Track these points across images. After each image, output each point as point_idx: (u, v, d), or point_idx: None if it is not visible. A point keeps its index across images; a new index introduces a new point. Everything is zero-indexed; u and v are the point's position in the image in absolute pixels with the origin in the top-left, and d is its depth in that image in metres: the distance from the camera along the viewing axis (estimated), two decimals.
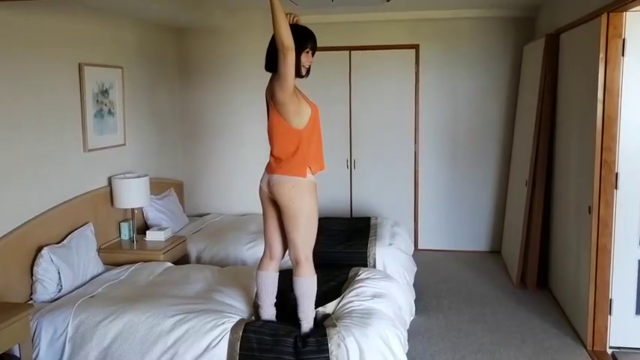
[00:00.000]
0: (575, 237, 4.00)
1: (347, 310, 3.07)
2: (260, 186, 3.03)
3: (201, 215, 5.59)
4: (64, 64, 3.84)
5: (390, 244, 4.33)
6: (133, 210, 4.33)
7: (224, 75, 5.49)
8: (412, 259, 4.51)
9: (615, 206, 3.58)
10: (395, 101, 5.88)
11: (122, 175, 4.33)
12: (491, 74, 5.73)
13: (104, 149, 4.28)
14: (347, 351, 2.74)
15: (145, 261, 4.01)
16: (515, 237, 5.08)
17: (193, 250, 4.50)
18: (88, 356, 2.93)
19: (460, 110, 5.83)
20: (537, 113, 4.61)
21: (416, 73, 5.83)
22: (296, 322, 3.00)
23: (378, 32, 5.81)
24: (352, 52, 5.89)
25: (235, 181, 5.59)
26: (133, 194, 4.19)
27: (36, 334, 3.02)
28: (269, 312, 3.09)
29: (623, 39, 3.47)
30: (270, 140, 2.96)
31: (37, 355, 2.99)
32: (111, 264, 4.04)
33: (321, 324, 2.99)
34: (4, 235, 3.25)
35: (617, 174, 3.56)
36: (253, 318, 3.09)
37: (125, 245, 4.27)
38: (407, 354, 2.99)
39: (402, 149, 5.94)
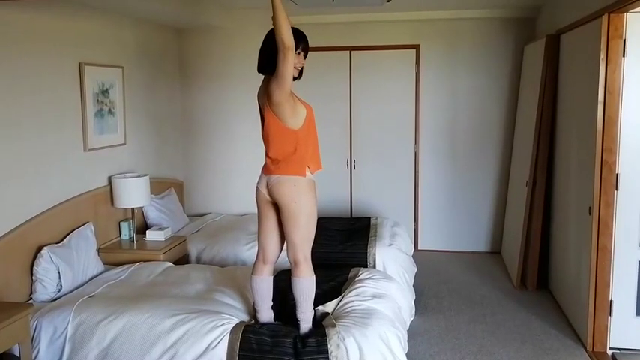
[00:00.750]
0: (576, 238, 3.99)
1: (347, 310, 3.07)
2: (257, 188, 3.01)
3: (201, 215, 5.59)
4: (65, 63, 3.84)
5: (390, 245, 4.33)
6: (133, 210, 4.32)
7: (225, 74, 5.49)
8: (412, 259, 4.51)
9: (615, 207, 3.57)
10: (395, 101, 5.88)
11: (122, 175, 4.33)
12: (492, 75, 5.73)
13: (104, 149, 4.28)
14: (347, 351, 2.74)
15: (144, 261, 4.01)
16: (515, 238, 5.08)
17: (193, 250, 4.50)
18: (87, 356, 2.93)
19: (460, 111, 5.83)
20: (538, 114, 4.61)
21: (416, 74, 5.83)
22: (295, 323, 3.00)
23: (379, 32, 5.81)
24: (353, 52, 5.89)
25: (235, 181, 5.59)
26: (133, 194, 4.19)
27: (36, 333, 3.02)
28: (266, 315, 3.09)
29: (624, 40, 3.47)
30: (265, 142, 2.95)
31: (36, 355, 2.98)
32: (111, 264, 4.04)
33: (321, 324, 2.98)
34: (4, 235, 3.25)
35: (617, 175, 3.56)
36: (253, 321, 3.09)
37: (125, 245, 4.27)
38: (407, 354, 2.99)
39: (402, 149, 5.94)
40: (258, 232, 3.08)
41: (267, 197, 2.96)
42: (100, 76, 4.21)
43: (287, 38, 2.64)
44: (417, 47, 5.80)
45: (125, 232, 4.38)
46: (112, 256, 4.11)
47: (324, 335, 2.80)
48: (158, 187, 4.97)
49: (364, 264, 4.12)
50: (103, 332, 2.95)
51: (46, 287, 3.39)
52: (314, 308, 3.06)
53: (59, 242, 3.62)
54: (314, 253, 3.08)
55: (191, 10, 4.60)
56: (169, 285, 3.51)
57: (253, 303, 3.12)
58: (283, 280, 3.39)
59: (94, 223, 4.03)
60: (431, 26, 5.74)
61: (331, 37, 5.84)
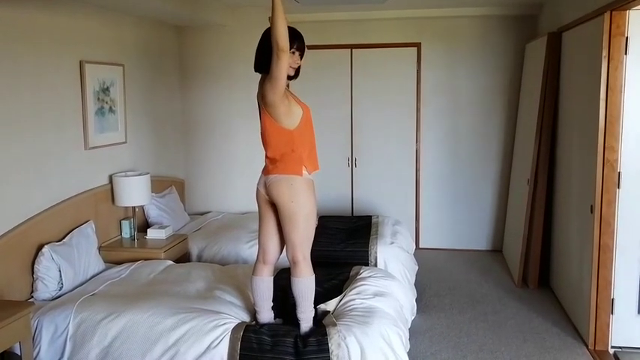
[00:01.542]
0: (577, 236, 3.99)
1: (348, 309, 3.07)
2: (257, 189, 3.01)
3: (202, 213, 5.59)
4: (65, 61, 3.83)
5: (392, 243, 4.33)
6: (133, 208, 4.32)
7: (226, 72, 5.48)
8: (413, 257, 4.51)
9: (618, 205, 3.56)
10: (396, 99, 5.87)
11: (123, 173, 4.33)
12: (493, 72, 5.72)
13: (105, 147, 4.28)
14: (348, 350, 2.73)
15: (145, 259, 4.00)
16: (516, 236, 5.07)
17: (194, 249, 4.50)
18: (88, 355, 2.92)
19: (462, 108, 5.82)
20: (539, 111, 4.60)
21: (417, 71, 5.82)
22: (296, 322, 2.99)
23: (380, 30, 5.80)
24: (354, 50, 5.87)
25: (236, 180, 5.58)
26: (134, 192, 4.19)
27: (37, 332, 3.02)
28: (267, 316, 3.08)
29: (626, 37, 3.46)
30: (263, 143, 2.95)
31: (37, 354, 2.98)
32: (112, 262, 4.03)
33: (321, 323, 2.98)
34: (5, 233, 3.25)
35: (619, 173, 3.55)
36: (254, 322, 3.08)
37: (126, 243, 4.26)
38: (408, 353, 2.99)
39: (403, 147, 5.93)
40: (259, 233, 3.08)
41: (267, 197, 2.96)
42: (101, 74, 4.20)
43: (282, 40, 2.62)
44: (418, 45, 5.78)
45: (126, 231, 4.38)
46: (112, 254, 4.11)
47: (325, 335, 2.79)
48: (159, 185, 4.97)
49: (365, 262, 4.11)
50: (104, 331, 2.95)
51: (47, 286, 3.39)
52: (315, 307, 3.05)
53: (60, 241, 3.62)
54: (315, 252, 3.08)
55: (192, 8, 4.59)
56: (170, 283, 3.50)
57: (254, 303, 3.12)
58: (284, 279, 3.38)
59: (95, 221, 4.03)
60: (432, 24, 5.73)
61: (332, 35, 5.83)
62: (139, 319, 2.96)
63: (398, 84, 5.85)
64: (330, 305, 3.17)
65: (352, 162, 6.03)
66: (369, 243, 4.30)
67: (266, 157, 2.96)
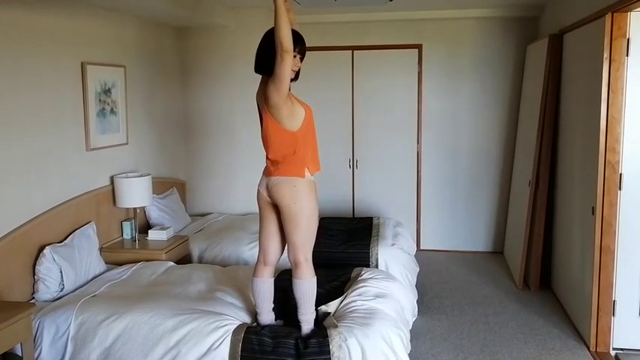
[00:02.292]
0: (579, 238, 3.98)
1: (349, 310, 3.06)
2: (258, 190, 3.00)
3: (203, 215, 5.59)
4: (67, 62, 3.84)
5: (393, 245, 4.33)
6: (135, 209, 4.32)
7: (227, 74, 5.49)
8: (414, 259, 4.50)
9: (619, 207, 3.56)
10: (398, 101, 5.87)
11: (124, 175, 4.33)
12: (495, 74, 5.72)
13: (106, 148, 4.28)
14: (349, 352, 2.73)
15: (147, 260, 4.00)
16: (517, 238, 5.06)
17: (195, 250, 4.50)
18: (90, 356, 2.92)
19: (463, 110, 5.82)
20: (540, 113, 4.60)
21: (419, 73, 5.82)
22: (297, 323, 2.99)
23: (381, 32, 5.80)
24: (355, 51, 5.88)
25: (237, 181, 5.58)
26: (135, 193, 4.19)
27: (38, 333, 3.02)
28: (267, 317, 3.08)
29: (628, 39, 3.46)
30: (265, 144, 2.94)
31: (39, 355, 2.98)
32: (113, 263, 4.03)
33: (322, 325, 2.98)
34: (7, 234, 3.25)
35: (620, 174, 3.55)
36: (255, 324, 3.08)
37: (127, 244, 4.27)
38: (409, 355, 2.99)
39: (404, 149, 5.93)
40: (260, 234, 3.07)
41: (268, 199, 2.95)
42: (102, 76, 4.21)
43: (286, 41, 2.63)
44: (419, 47, 5.78)
45: (127, 232, 4.38)
46: (114, 255, 4.11)
47: (326, 336, 2.79)
48: (160, 186, 4.97)
49: (366, 264, 4.11)
50: (105, 332, 2.95)
51: (48, 287, 3.39)
52: (316, 308, 3.05)
53: (61, 242, 3.62)
54: (316, 253, 3.08)
55: (193, 9, 4.59)
56: (171, 285, 3.50)
57: (255, 304, 3.11)
58: (285, 280, 3.38)
59: (96, 222, 4.03)
60: (433, 26, 5.73)
61: (333, 37, 5.83)
62: (140, 320, 2.96)
63: (399, 86, 5.85)
64: (331, 307, 3.16)
65: (353, 163, 6.03)
66: (370, 244, 4.30)
67: (267, 158, 2.95)
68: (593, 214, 3.64)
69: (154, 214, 4.67)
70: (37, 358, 2.98)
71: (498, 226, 5.89)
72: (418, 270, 4.45)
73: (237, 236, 4.60)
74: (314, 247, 3.00)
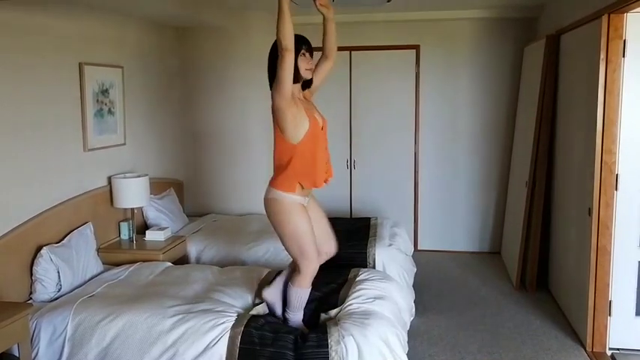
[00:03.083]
0: (575, 238, 3.99)
1: (347, 313, 3.07)
2: None
3: (200, 215, 5.58)
4: (65, 63, 3.84)
5: (390, 245, 4.33)
6: (132, 210, 4.32)
7: (225, 75, 5.49)
8: (412, 259, 4.50)
9: (615, 208, 3.57)
10: (395, 102, 5.88)
11: (122, 175, 4.33)
12: (492, 75, 5.73)
13: (104, 149, 4.28)
14: (346, 348, 2.74)
15: (144, 261, 4.00)
16: (514, 238, 5.07)
17: (193, 250, 4.50)
18: (87, 356, 2.93)
19: (460, 111, 5.83)
20: (537, 114, 4.61)
21: (416, 74, 5.83)
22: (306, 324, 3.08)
23: (379, 33, 5.81)
24: (353, 52, 5.88)
25: (235, 182, 5.58)
26: (133, 194, 4.19)
27: (35, 333, 3.02)
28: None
29: (624, 40, 3.47)
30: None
31: (36, 355, 2.98)
32: (110, 264, 4.03)
33: (322, 322, 3.01)
34: (4, 235, 3.25)
35: (617, 175, 3.56)
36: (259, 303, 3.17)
37: (125, 245, 4.26)
38: (407, 355, 2.99)
39: (402, 150, 5.93)
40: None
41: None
42: (100, 76, 4.21)
43: (286, 39, 2.64)
44: (416, 47, 5.79)
45: (125, 232, 4.38)
46: (111, 256, 4.10)
47: (325, 332, 2.82)
48: (158, 187, 4.97)
49: (364, 264, 4.11)
50: (102, 332, 2.95)
51: (45, 287, 3.39)
52: (320, 313, 3.11)
53: (59, 242, 3.62)
54: None
55: (192, 11, 4.60)
56: (169, 285, 3.50)
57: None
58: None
59: (94, 223, 4.02)
60: (431, 26, 5.74)
61: None
62: (138, 320, 2.97)
63: (397, 86, 5.86)
64: (332, 314, 3.18)
65: (351, 164, 6.04)
66: (367, 245, 4.30)
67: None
68: (589, 214, 3.65)
69: (152, 215, 4.67)
70: (35, 358, 2.97)
71: (495, 226, 5.90)
72: (415, 270, 4.45)
73: (235, 237, 4.60)
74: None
